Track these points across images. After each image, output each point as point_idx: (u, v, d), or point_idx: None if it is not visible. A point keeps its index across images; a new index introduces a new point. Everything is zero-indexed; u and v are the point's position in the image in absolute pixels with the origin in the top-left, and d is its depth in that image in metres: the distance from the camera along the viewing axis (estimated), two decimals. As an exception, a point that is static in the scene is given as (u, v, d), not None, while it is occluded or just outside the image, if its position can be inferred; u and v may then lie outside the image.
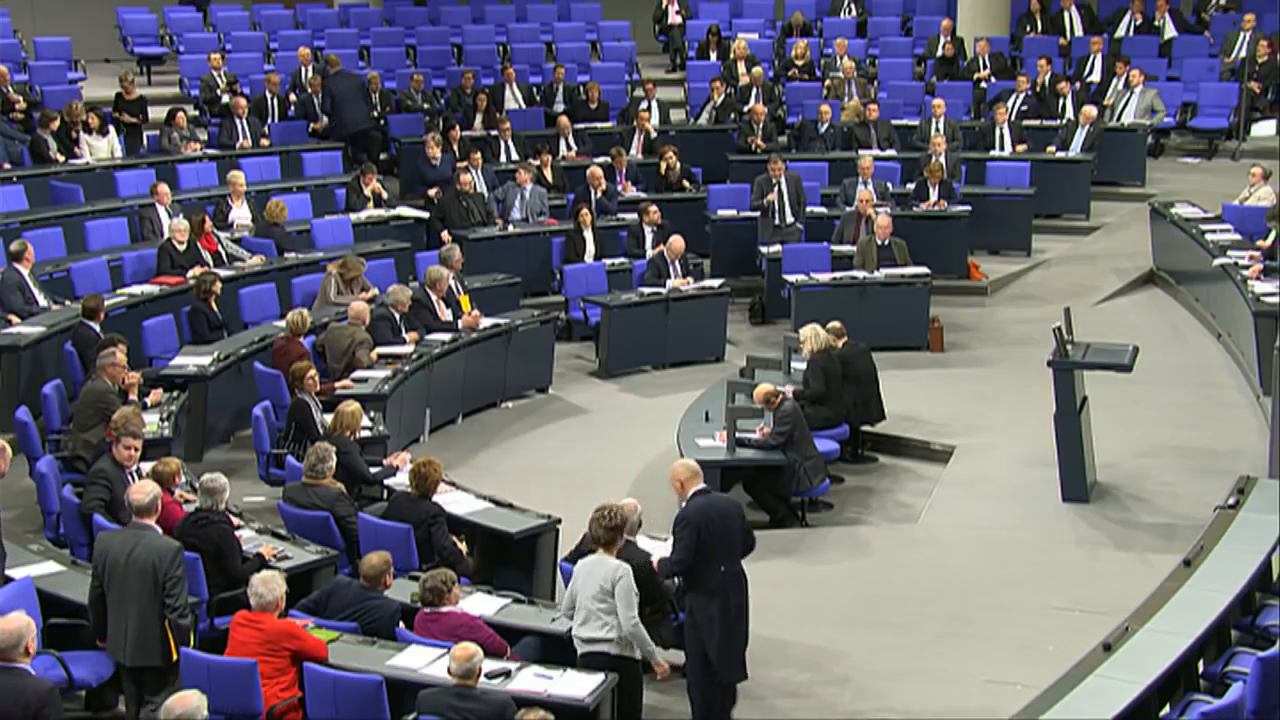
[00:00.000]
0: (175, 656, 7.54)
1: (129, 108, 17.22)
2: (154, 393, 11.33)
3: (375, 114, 18.14)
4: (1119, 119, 17.85)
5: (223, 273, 13.59)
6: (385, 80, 19.02)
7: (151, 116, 17.67)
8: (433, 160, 16.70)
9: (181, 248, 13.86)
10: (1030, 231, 16.58)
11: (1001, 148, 17.40)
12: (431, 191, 16.49)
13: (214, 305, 12.85)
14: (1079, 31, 20.11)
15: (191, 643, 7.64)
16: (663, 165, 16.95)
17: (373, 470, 10.25)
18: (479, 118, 18.42)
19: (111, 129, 16.69)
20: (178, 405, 11.30)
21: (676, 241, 14.64)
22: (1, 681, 6.48)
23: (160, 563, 7.59)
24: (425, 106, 18.74)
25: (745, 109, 18.55)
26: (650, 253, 15.01)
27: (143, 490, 8.01)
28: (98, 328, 11.93)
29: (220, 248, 14.21)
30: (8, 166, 15.77)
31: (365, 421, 10.70)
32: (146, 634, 7.58)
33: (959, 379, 13.64)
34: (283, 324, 12.34)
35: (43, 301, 12.94)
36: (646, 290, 14.35)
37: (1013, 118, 17.86)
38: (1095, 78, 18.95)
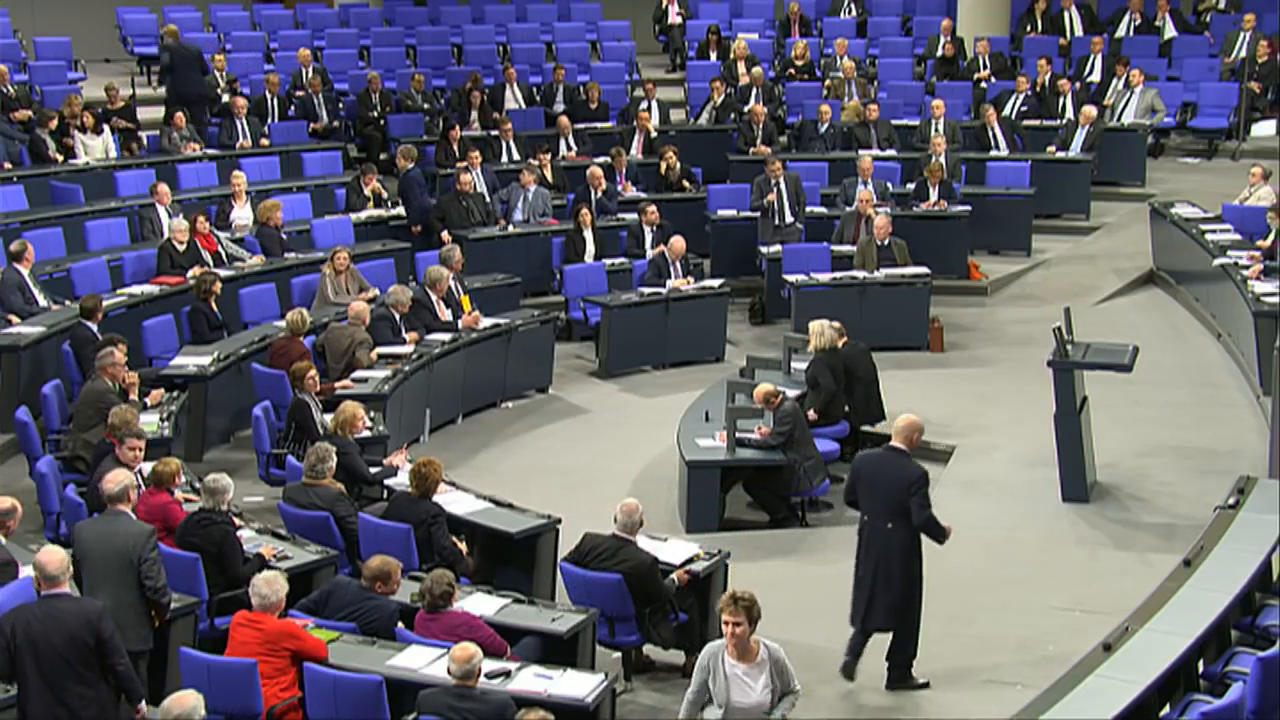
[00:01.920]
0: (157, 623, 7.78)
1: (119, 114, 17.20)
2: (154, 393, 11.34)
3: (211, 82, 18.08)
4: (1119, 119, 17.85)
5: (223, 273, 13.60)
6: (385, 80, 19.02)
7: (151, 116, 17.67)
8: (406, 170, 16.09)
9: (181, 248, 13.87)
10: (1030, 231, 16.58)
11: (996, 148, 17.41)
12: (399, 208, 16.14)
13: (214, 305, 12.86)
14: (1079, 31, 20.11)
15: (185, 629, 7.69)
16: (663, 165, 16.94)
17: (373, 470, 10.25)
18: (474, 116, 18.37)
19: (106, 128, 16.70)
20: (178, 405, 11.30)
21: (678, 242, 14.64)
22: (62, 605, 6.96)
23: (134, 546, 7.71)
24: (425, 106, 18.74)
25: (745, 109, 18.55)
26: (650, 253, 15.02)
27: (114, 480, 8.10)
28: (95, 328, 11.93)
29: (220, 248, 14.22)
30: (8, 166, 15.78)
31: (365, 421, 10.70)
32: (125, 617, 7.62)
33: (959, 379, 13.64)
34: (282, 324, 12.35)
35: (43, 301, 12.94)
36: (646, 290, 14.35)
37: (1012, 117, 17.86)
38: (1095, 78, 18.95)
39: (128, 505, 8.05)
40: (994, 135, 17.47)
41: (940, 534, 8.56)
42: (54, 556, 7.11)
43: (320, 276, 13.77)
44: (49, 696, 6.82)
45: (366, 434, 10.68)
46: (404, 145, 16.55)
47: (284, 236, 14.80)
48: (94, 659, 6.90)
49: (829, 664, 8.84)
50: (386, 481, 10.16)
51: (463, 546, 9.13)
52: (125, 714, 7.19)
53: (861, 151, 17.18)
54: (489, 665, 7.19)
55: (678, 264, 14.58)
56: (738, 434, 10.86)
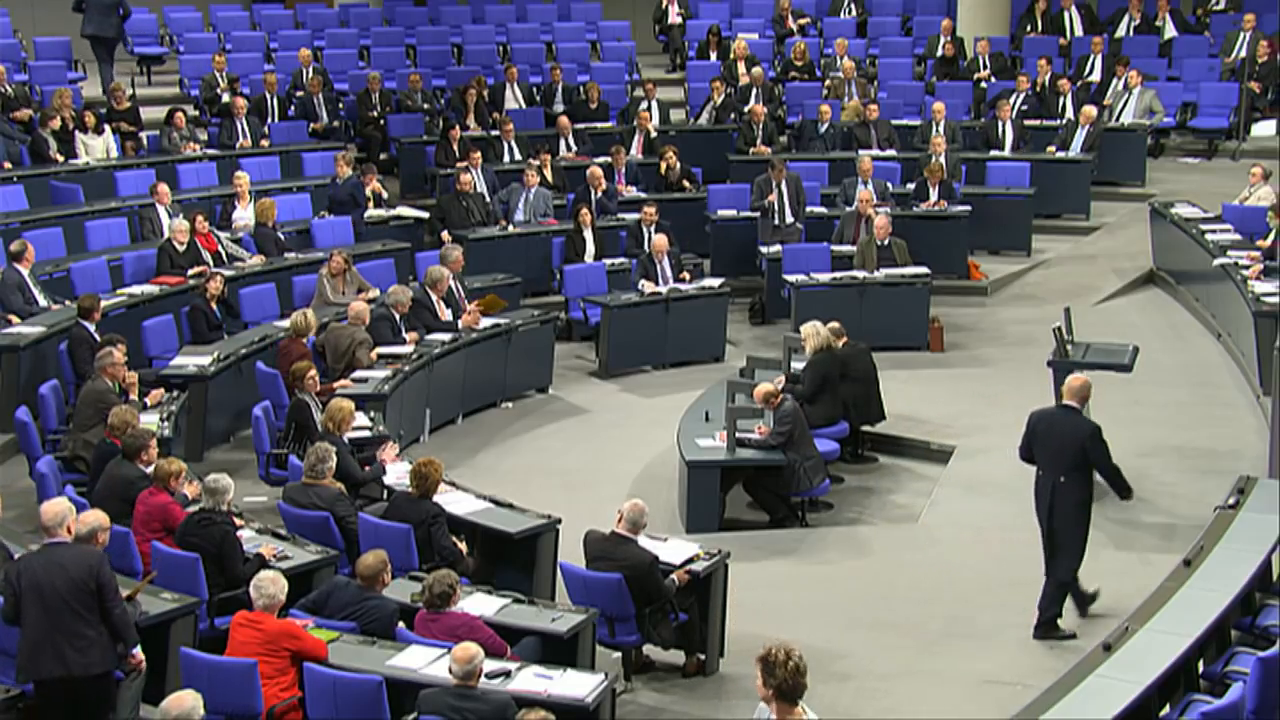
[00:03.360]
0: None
1: (123, 116, 17.20)
2: (154, 393, 11.34)
3: (121, 24, 18.30)
4: (1117, 120, 17.85)
5: (223, 272, 13.59)
6: (385, 80, 19.00)
7: (151, 116, 17.67)
8: (339, 179, 16.05)
9: (181, 248, 13.87)
10: (1030, 231, 16.58)
11: (1002, 146, 17.40)
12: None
13: (213, 305, 12.86)
14: (1079, 31, 20.11)
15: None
16: (663, 165, 16.94)
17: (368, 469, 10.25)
18: (471, 117, 18.36)
19: (107, 128, 16.69)
20: (178, 405, 11.30)
21: (659, 240, 14.63)
22: (64, 552, 7.24)
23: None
24: (425, 106, 18.74)
25: (745, 109, 18.55)
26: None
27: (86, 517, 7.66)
28: (92, 328, 11.93)
29: (220, 248, 14.22)
30: (8, 166, 15.77)
31: (364, 420, 10.67)
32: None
33: (959, 379, 13.64)
34: (283, 324, 12.34)
35: (43, 301, 12.94)
36: (646, 290, 14.33)
37: (1014, 117, 17.87)
38: (1095, 78, 18.95)
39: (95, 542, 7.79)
40: (1003, 132, 17.44)
41: (1124, 483, 9.10)
42: (51, 508, 7.38)
43: (317, 279, 13.77)
44: (54, 639, 7.09)
45: (366, 434, 10.67)
46: (345, 152, 16.52)
47: (280, 236, 14.80)
48: (94, 603, 7.15)
49: (829, 664, 8.84)
50: (386, 481, 10.15)
51: (463, 546, 9.13)
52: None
53: (861, 151, 17.18)
54: (489, 665, 7.19)
55: (664, 262, 14.56)
56: (738, 434, 10.86)
